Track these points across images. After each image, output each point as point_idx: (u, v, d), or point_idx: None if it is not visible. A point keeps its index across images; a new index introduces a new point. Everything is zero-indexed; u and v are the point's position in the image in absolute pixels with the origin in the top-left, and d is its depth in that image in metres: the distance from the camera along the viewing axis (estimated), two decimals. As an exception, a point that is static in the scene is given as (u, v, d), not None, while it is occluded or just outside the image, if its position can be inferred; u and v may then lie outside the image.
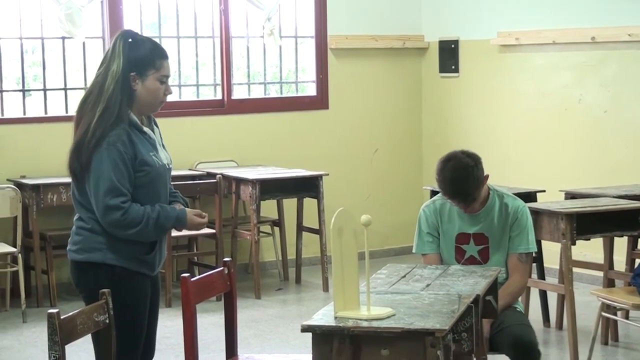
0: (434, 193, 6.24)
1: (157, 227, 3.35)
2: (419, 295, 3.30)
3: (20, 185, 6.41)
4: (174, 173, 6.78)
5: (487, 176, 4.12)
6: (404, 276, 3.61)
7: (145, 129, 3.43)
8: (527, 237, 4.08)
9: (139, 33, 3.51)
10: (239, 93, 7.76)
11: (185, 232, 6.76)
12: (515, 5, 7.48)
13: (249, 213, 6.95)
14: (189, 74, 7.68)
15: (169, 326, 6.02)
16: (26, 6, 6.88)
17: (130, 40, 3.38)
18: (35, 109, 7.00)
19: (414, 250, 4.23)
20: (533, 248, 4.11)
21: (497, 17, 7.61)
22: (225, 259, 3.84)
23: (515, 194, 5.81)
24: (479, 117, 7.84)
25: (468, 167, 4.05)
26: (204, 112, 7.51)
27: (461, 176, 4.01)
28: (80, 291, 3.47)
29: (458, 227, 4.11)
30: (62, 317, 2.85)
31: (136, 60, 3.36)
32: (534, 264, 5.61)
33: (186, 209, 3.50)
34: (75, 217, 3.44)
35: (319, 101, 7.89)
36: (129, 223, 3.30)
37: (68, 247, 3.46)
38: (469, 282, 3.48)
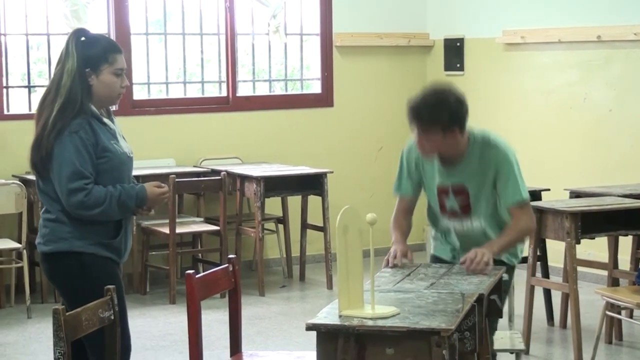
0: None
1: (120, 205, 3.46)
2: (423, 294, 3.30)
3: (25, 181, 6.41)
4: (179, 170, 6.92)
5: (466, 132, 3.83)
6: (409, 275, 3.61)
7: (105, 120, 3.56)
8: (514, 187, 3.79)
9: (91, 31, 3.62)
10: (243, 90, 7.76)
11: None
12: (521, 4, 7.47)
13: (254, 210, 6.96)
14: (194, 71, 7.68)
15: (173, 323, 6.03)
16: (32, 2, 6.88)
17: (82, 38, 3.53)
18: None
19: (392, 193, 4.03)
20: (524, 195, 3.80)
21: (503, 16, 7.60)
22: (230, 256, 3.84)
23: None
24: (484, 115, 7.81)
25: (445, 93, 3.78)
26: (209, 109, 7.51)
27: (431, 101, 3.75)
28: (54, 283, 3.58)
29: (438, 178, 3.88)
30: (67, 314, 2.86)
31: (89, 57, 3.50)
32: (538, 263, 5.60)
33: (146, 184, 3.62)
34: (42, 210, 3.55)
35: (324, 99, 7.89)
36: (93, 203, 3.41)
37: (37, 241, 3.55)
38: (473, 281, 3.47)
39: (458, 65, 8.00)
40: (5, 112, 6.80)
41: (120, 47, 3.60)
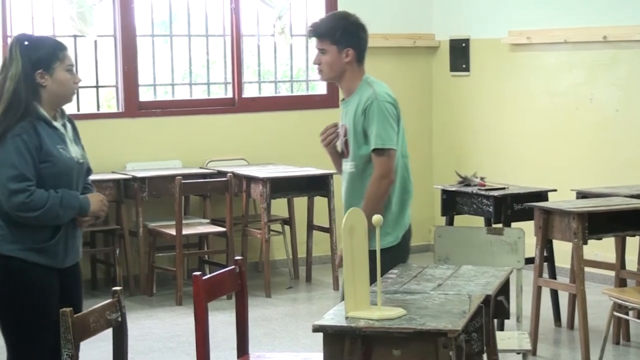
0: (443, 192, 6.24)
1: (62, 207, 3.43)
2: (429, 295, 3.30)
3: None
4: (185, 171, 6.93)
5: (363, 71, 3.96)
6: (415, 276, 3.61)
7: (56, 123, 3.53)
8: (374, 133, 3.79)
9: (31, 34, 3.63)
10: (249, 91, 7.76)
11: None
12: (526, 4, 7.46)
13: (260, 212, 6.96)
14: (200, 73, 7.69)
15: (179, 324, 6.04)
16: (38, 4, 6.90)
17: (26, 43, 3.51)
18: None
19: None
20: (380, 144, 3.79)
21: (508, 16, 7.59)
22: (237, 258, 3.84)
23: (527, 193, 5.87)
24: (490, 116, 7.83)
25: (348, 14, 4.00)
26: (215, 110, 7.51)
27: (332, 15, 4.02)
28: None
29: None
30: (74, 316, 2.86)
31: (39, 58, 3.48)
32: (545, 263, 5.60)
33: (88, 194, 3.59)
34: None
35: (330, 99, 7.88)
36: (34, 205, 3.38)
37: None
38: (480, 282, 3.47)
39: (464, 65, 7.99)
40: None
41: (65, 45, 3.59)
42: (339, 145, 3.99)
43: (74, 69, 3.58)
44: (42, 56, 3.48)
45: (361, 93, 3.90)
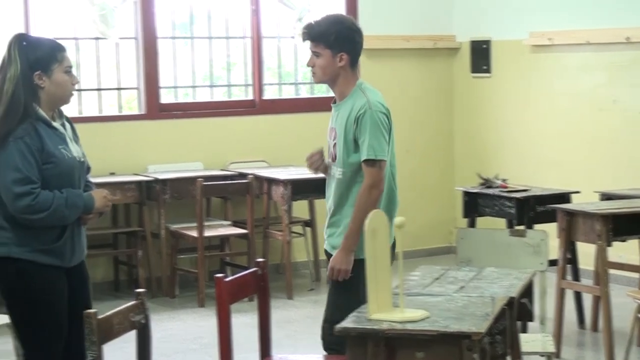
0: (465, 194, 6.22)
1: (68, 208, 3.45)
2: (453, 298, 3.28)
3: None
4: (206, 173, 6.95)
5: (357, 75, 3.94)
6: (438, 278, 3.60)
7: (55, 124, 3.54)
8: (367, 143, 3.77)
9: (31, 34, 3.59)
10: (270, 93, 7.77)
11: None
12: (548, 5, 7.42)
13: (281, 213, 6.95)
14: (220, 75, 7.70)
15: (202, 326, 6.04)
16: (61, 6, 6.93)
17: (24, 43, 3.50)
18: (69, 110, 7.02)
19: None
20: (372, 154, 3.76)
21: (530, 17, 7.56)
22: (259, 260, 3.83)
23: (550, 195, 5.84)
24: (512, 117, 7.79)
25: (343, 17, 4.01)
26: (236, 112, 7.52)
27: (326, 17, 3.93)
28: None
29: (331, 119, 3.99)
30: (99, 317, 2.86)
31: (37, 59, 3.48)
32: (569, 265, 5.56)
33: (92, 191, 3.60)
34: None
35: (351, 101, 7.86)
36: (40, 207, 3.39)
37: None
38: (504, 285, 3.45)
39: (485, 67, 7.96)
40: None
41: (64, 46, 3.59)
42: (326, 157, 4.00)
43: (73, 70, 3.59)
44: (40, 57, 3.48)
45: (354, 99, 3.88)
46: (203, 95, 7.60)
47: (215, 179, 6.84)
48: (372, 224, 3.10)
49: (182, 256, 6.98)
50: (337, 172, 3.91)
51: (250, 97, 7.65)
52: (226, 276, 3.51)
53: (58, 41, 3.61)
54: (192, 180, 6.65)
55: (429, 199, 8.14)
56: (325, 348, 3.87)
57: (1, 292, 3.52)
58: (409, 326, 2.95)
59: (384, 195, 3.87)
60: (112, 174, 6.90)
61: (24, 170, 3.38)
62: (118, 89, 7.19)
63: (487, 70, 7.95)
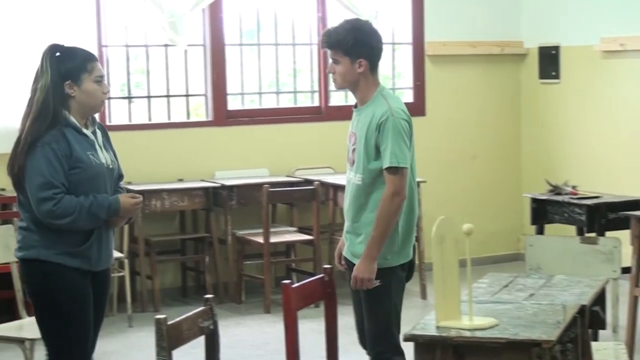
0: (533, 201, 6.15)
1: (91, 215, 3.51)
2: (522, 305, 3.25)
3: (127, 191, 6.53)
4: (272, 179, 6.98)
5: (377, 80, 3.89)
6: (506, 285, 3.56)
7: (85, 130, 3.63)
8: (389, 151, 3.72)
9: (64, 45, 3.68)
10: (336, 100, 7.77)
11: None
12: (620, 10, 7.30)
13: (347, 220, 6.94)
14: (287, 81, 7.73)
15: (268, 332, 6.06)
16: (131, 14, 7.03)
17: (57, 54, 3.60)
18: (139, 116, 7.13)
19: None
20: (395, 162, 3.72)
21: (600, 22, 7.44)
22: (325, 266, 3.84)
23: (622, 202, 5.74)
24: (580, 124, 7.68)
25: (361, 22, 3.98)
26: (302, 119, 7.55)
27: (344, 23, 3.95)
28: (25, 287, 3.69)
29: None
30: (168, 323, 2.89)
31: (67, 70, 3.59)
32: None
33: (119, 195, 3.66)
34: (20, 219, 3.66)
35: (416, 107, 7.83)
36: (62, 212, 3.47)
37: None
38: (575, 292, 3.41)
39: (553, 73, 7.86)
40: (107, 123, 6.90)
41: (96, 56, 3.70)
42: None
43: (103, 79, 3.67)
44: (70, 68, 3.59)
45: (375, 105, 3.85)
46: (269, 102, 7.64)
47: (281, 185, 6.87)
48: (439, 230, 3.09)
49: (248, 262, 7.01)
50: (355, 177, 3.89)
51: (316, 103, 7.67)
52: (293, 282, 3.51)
53: (90, 52, 3.72)
54: (258, 186, 6.69)
55: (496, 206, 8.07)
56: (373, 357, 3.89)
57: (28, 294, 3.64)
58: (478, 334, 2.93)
59: (405, 203, 3.84)
60: (180, 180, 6.97)
61: (48, 175, 3.48)
62: (186, 95, 7.27)
63: (556, 76, 7.84)
